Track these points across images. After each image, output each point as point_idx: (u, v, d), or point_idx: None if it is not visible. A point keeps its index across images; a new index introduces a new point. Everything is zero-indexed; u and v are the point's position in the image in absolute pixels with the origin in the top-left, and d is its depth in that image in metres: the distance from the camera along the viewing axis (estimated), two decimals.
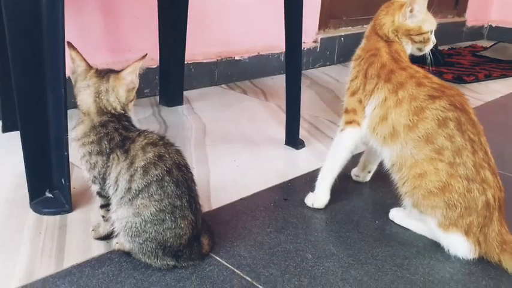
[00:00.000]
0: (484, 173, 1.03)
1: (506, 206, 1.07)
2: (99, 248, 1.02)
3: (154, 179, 0.92)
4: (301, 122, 1.83)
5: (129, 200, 0.93)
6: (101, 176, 0.97)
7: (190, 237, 0.96)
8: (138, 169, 0.93)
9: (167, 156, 0.95)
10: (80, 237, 1.06)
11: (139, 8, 1.98)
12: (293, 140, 1.65)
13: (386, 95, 1.13)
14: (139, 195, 0.92)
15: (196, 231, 0.98)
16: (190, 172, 0.99)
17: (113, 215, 0.97)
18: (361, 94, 1.18)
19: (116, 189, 0.95)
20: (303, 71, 2.70)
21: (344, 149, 1.22)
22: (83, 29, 1.84)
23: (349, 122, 1.21)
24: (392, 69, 1.15)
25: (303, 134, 1.71)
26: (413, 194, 1.09)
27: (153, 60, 2.02)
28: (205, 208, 1.21)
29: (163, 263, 0.96)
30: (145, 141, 0.96)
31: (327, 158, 1.27)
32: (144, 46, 2.02)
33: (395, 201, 1.18)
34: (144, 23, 2.00)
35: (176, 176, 0.94)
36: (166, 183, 0.93)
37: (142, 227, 0.93)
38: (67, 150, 1.11)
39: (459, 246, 1.06)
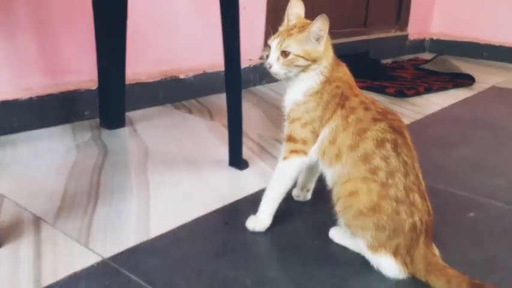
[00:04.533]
0: (413, 196, 1.06)
1: (447, 222, 1.08)
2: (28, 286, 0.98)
3: None
4: (247, 141, 1.84)
5: None
6: None
7: None
8: None
9: None
10: (7, 275, 1.00)
11: (76, 28, 1.93)
12: (236, 160, 1.64)
13: (340, 122, 1.14)
14: None
15: None
16: None
17: None
18: (317, 125, 1.17)
19: None
20: (249, 88, 2.72)
21: (290, 178, 1.23)
22: (16, 50, 1.77)
23: (295, 151, 1.20)
24: (348, 96, 1.17)
25: (247, 153, 1.71)
26: (344, 213, 1.11)
27: (92, 81, 1.97)
28: (143, 238, 1.18)
29: None
30: None
31: (271, 184, 1.25)
32: (82, 67, 1.97)
33: (335, 219, 1.19)
34: (82, 43, 1.95)
35: None
36: None
37: None
38: None
39: (389, 267, 1.07)
